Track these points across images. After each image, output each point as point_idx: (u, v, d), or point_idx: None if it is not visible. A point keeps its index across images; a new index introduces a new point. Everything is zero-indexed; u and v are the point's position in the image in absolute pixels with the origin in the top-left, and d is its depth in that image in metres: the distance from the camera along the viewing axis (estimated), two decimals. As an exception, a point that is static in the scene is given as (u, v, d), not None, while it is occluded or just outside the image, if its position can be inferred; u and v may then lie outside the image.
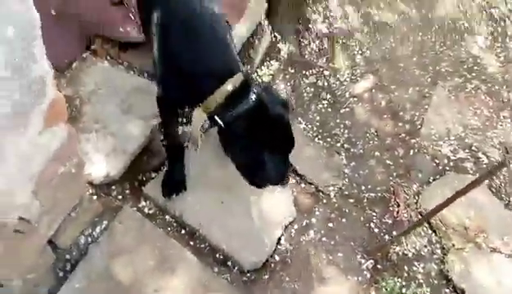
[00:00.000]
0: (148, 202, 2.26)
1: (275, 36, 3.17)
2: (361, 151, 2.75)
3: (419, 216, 2.45)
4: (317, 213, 2.41)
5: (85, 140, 2.21)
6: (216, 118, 1.82)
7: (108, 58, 2.56)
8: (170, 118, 2.18)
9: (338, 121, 2.88)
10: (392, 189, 2.57)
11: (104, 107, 2.34)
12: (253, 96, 1.81)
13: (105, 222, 2.08)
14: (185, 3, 1.89)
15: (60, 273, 1.96)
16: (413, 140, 2.80)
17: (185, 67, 1.85)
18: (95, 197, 2.12)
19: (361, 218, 2.44)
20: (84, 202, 2.00)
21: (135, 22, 2.52)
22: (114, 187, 2.23)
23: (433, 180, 2.64)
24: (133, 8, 2.53)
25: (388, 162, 2.71)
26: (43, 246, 1.82)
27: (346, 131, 2.83)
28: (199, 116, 1.87)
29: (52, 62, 2.39)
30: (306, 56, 3.22)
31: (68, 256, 1.98)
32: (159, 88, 2.01)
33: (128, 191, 2.26)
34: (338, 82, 3.08)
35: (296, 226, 2.33)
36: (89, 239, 2.03)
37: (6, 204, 1.52)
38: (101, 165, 2.15)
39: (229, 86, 1.79)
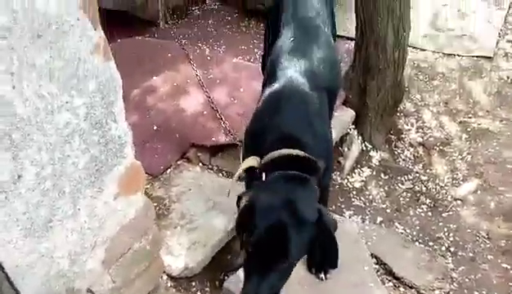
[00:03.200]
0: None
1: (365, 145, 3.13)
2: (471, 255, 2.39)
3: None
4: (421, 318, 2.05)
5: (170, 235, 2.22)
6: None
7: (200, 164, 2.70)
8: None
9: (441, 224, 2.61)
10: (514, 294, 2.15)
11: (191, 205, 2.38)
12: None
13: (181, 315, 1.97)
14: None
15: None
16: (535, 242, 2.41)
17: None
18: (174, 289, 2.05)
19: (479, 326, 2.02)
20: (160, 289, 1.94)
21: (225, 129, 2.69)
22: (194, 283, 2.14)
23: None
24: (223, 118, 2.74)
25: (504, 265, 2.31)
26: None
27: (451, 234, 2.54)
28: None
29: (149, 169, 2.56)
30: (400, 163, 3.09)
31: None
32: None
33: (207, 289, 2.15)
34: (438, 187, 2.86)
35: (395, 332, 1.99)
36: (164, 331, 1.91)
37: (76, 266, 1.52)
38: (181, 257, 2.11)
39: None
